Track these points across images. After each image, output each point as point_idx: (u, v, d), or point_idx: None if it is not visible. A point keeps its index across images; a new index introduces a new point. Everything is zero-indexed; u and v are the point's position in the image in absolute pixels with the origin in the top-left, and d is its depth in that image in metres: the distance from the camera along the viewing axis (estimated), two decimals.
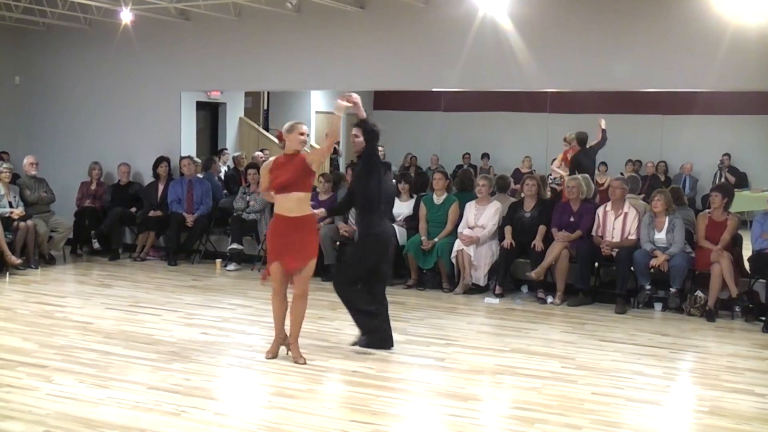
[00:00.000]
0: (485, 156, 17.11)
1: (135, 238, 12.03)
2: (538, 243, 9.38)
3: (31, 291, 9.52)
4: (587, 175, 10.43)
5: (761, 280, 8.79)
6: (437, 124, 17.57)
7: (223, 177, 13.19)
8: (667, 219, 8.99)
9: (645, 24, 9.44)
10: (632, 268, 9.01)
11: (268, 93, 17.25)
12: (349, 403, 5.75)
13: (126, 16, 10.51)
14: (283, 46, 11.27)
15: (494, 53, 9.93)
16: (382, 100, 18.16)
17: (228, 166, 13.93)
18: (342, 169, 14.23)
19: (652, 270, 8.84)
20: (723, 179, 15.18)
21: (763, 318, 8.32)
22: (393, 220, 10.26)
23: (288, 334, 6.68)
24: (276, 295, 6.65)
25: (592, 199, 10.06)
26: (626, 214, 9.28)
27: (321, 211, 7.09)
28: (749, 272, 8.88)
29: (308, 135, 6.68)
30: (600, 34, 9.71)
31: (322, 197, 10.47)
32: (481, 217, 9.72)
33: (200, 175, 12.03)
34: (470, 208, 9.84)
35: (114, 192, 12.11)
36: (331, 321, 8.00)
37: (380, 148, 13.22)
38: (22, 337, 7.36)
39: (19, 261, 10.36)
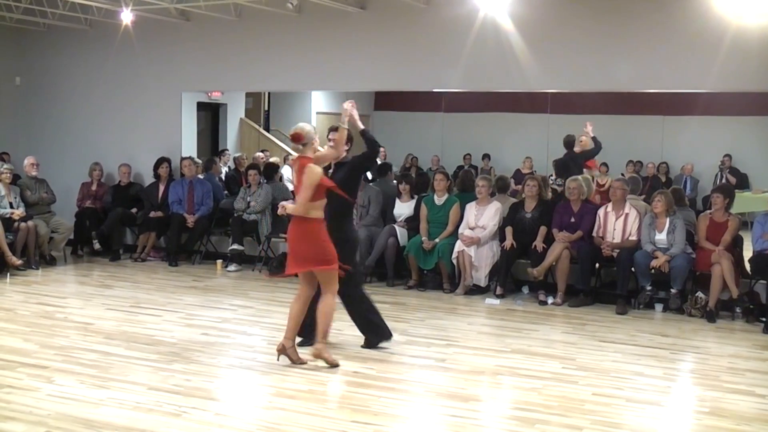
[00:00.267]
0: (486, 157, 17.12)
1: (136, 238, 12.03)
2: (538, 244, 9.38)
3: (31, 292, 9.52)
4: (588, 177, 10.43)
5: (762, 281, 8.78)
6: (438, 125, 17.59)
7: (223, 178, 13.19)
8: (667, 220, 8.99)
9: (646, 25, 9.44)
10: (633, 269, 9.01)
11: (269, 93, 17.28)
12: (350, 403, 5.75)
13: (126, 16, 10.51)
14: (284, 46, 11.27)
15: (495, 54, 9.94)
16: (383, 100, 18.19)
17: (229, 167, 13.93)
18: None
19: (652, 271, 8.84)
20: (724, 180, 15.19)
21: (764, 319, 8.31)
22: (393, 220, 10.29)
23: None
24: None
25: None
26: (627, 214, 9.28)
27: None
28: (750, 273, 8.87)
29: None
30: (601, 34, 9.71)
31: None
32: (482, 217, 9.72)
33: (201, 176, 12.03)
34: (470, 209, 9.83)
35: (115, 193, 12.12)
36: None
37: (381, 149, 13.19)
38: (23, 337, 7.37)
39: (19, 262, 10.37)
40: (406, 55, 10.60)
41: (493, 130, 17.35)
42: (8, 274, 10.24)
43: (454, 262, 9.67)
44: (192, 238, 11.59)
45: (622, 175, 13.33)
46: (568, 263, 9.21)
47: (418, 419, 5.62)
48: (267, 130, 16.78)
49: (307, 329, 6.78)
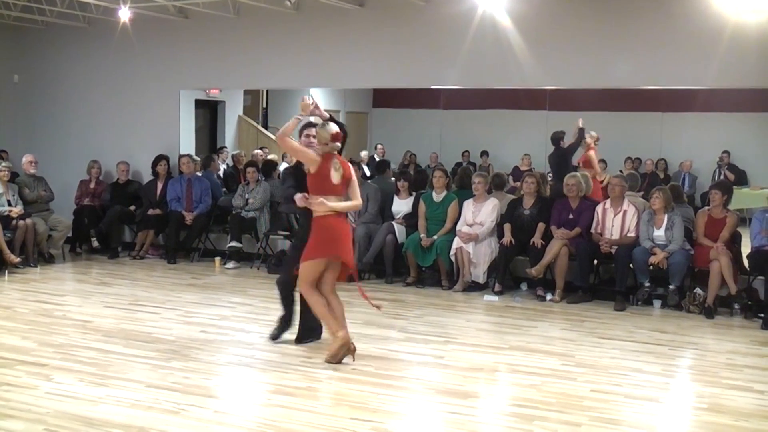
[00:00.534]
0: (484, 153, 17.12)
1: (134, 236, 12.03)
2: (537, 240, 9.39)
3: (30, 289, 9.51)
4: (586, 173, 10.44)
5: (760, 277, 8.79)
6: (436, 122, 17.60)
7: (222, 175, 13.19)
8: (666, 216, 8.99)
9: (644, 21, 9.44)
10: (631, 266, 9.01)
11: (267, 91, 17.27)
12: (349, 400, 5.75)
13: (124, 14, 10.50)
14: (282, 44, 11.26)
15: (493, 51, 9.94)
16: (382, 98, 18.21)
17: (227, 164, 13.93)
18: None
19: (651, 267, 8.84)
20: (722, 176, 15.20)
21: (762, 315, 8.32)
22: (392, 218, 10.29)
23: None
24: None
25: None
26: (625, 211, 9.28)
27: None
28: (748, 269, 8.88)
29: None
30: (599, 31, 9.71)
31: None
32: (479, 214, 9.73)
33: (199, 174, 12.03)
34: (468, 206, 9.84)
35: (113, 190, 12.11)
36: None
37: (380, 146, 13.10)
38: (22, 335, 7.36)
39: (18, 260, 10.37)
40: (404, 52, 10.60)
41: (491, 127, 17.37)
42: (6, 272, 10.24)
43: (453, 258, 9.68)
44: (190, 236, 11.59)
45: (621, 171, 13.33)
46: (567, 260, 9.21)
47: (416, 416, 5.63)
48: (265, 127, 16.77)
49: (302, 329, 6.96)
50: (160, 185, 11.84)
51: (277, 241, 11.20)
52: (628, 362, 6.81)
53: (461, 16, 9.95)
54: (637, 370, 6.57)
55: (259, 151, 13.91)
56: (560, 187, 9.95)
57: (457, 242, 9.60)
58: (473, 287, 9.64)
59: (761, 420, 5.50)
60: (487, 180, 10.10)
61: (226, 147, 14.94)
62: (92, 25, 12.32)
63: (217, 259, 11.23)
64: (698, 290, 8.77)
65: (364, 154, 15.90)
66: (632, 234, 9.16)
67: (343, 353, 6.51)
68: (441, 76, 10.59)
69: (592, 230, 9.37)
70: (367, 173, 12.48)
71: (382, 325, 7.73)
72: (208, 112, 15.54)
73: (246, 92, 16.58)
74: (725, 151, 15.91)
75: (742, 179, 15.49)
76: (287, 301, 7.13)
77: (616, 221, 9.27)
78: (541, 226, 9.49)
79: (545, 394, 5.91)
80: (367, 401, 5.69)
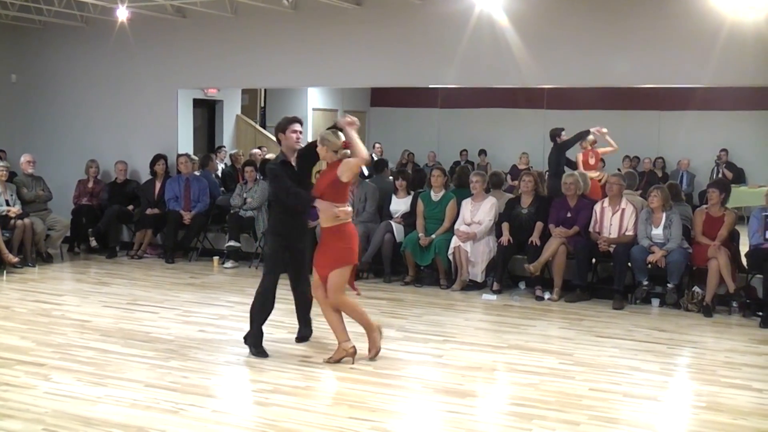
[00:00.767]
0: (482, 152, 17.11)
1: (132, 235, 12.03)
2: (535, 239, 9.39)
3: (28, 289, 9.51)
4: (585, 172, 10.44)
5: (758, 276, 8.78)
6: (434, 121, 17.59)
7: (220, 174, 13.19)
8: (664, 215, 8.99)
9: (642, 20, 9.44)
10: (629, 264, 9.02)
11: (265, 90, 17.26)
12: (347, 400, 5.75)
13: (122, 13, 10.48)
14: (280, 43, 11.26)
15: (491, 50, 9.94)
16: (379, 97, 18.20)
17: (225, 164, 13.93)
18: None
19: (649, 266, 8.84)
20: (720, 175, 15.20)
21: (761, 313, 8.32)
22: (390, 217, 10.29)
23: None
24: (321, 304, 6.72)
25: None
26: (623, 210, 9.28)
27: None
28: (746, 268, 8.88)
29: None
30: (597, 30, 9.71)
31: None
32: (477, 213, 9.73)
33: (197, 173, 12.03)
34: (466, 205, 9.84)
35: (111, 190, 12.11)
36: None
37: (378, 145, 13.08)
38: (20, 335, 7.36)
39: (16, 259, 10.36)
40: (402, 51, 10.60)
41: (489, 125, 17.35)
42: (5, 271, 10.24)
43: (451, 257, 9.68)
44: (188, 235, 11.58)
45: (619, 170, 13.34)
46: (565, 259, 9.21)
47: (415, 415, 5.63)
48: (263, 126, 16.76)
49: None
50: (158, 185, 11.83)
51: None
52: (627, 361, 6.82)
53: (458, 14, 9.96)
54: (635, 369, 6.57)
55: (257, 151, 13.89)
56: (555, 183, 9.95)
57: (455, 241, 9.60)
58: (471, 286, 9.64)
59: (760, 418, 5.51)
60: (485, 179, 10.09)
61: (224, 146, 14.93)
62: (90, 24, 12.31)
63: (216, 258, 11.23)
64: (696, 289, 8.77)
65: None
66: (630, 232, 9.16)
67: (343, 357, 6.55)
68: (439, 75, 10.59)
69: (591, 229, 9.37)
70: (365, 172, 12.44)
71: (381, 324, 7.72)
72: (206, 112, 15.53)
73: (244, 91, 16.57)
74: (723, 150, 15.91)
75: (740, 177, 15.49)
76: (264, 315, 6.90)
77: (614, 220, 9.27)
78: (539, 224, 9.50)
79: (544, 393, 5.91)
80: (365, 400, 5.69)
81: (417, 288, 9.80)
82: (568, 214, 9.47)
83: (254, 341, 6.80)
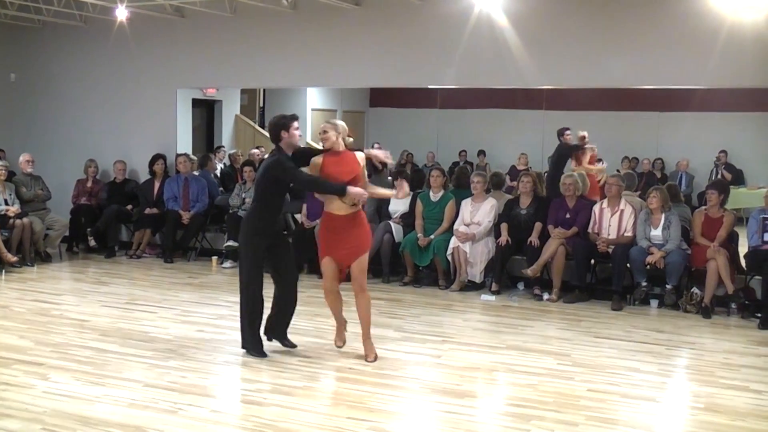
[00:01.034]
0: (481, 153, 17.11)
1: (131, 235, 12.02)
2: (534, 240, 9.40)
3: (27, 289, 9.50)
4: (583, 173, 10.45)
5: (757, 277, 8.79)
6: (433, 121, 17.58)
7: (219, 174, 13.19)
8: (663, 216, 9.00)
9: (641, 21, 9.44)
10: (628, 265, 9.02)
11: (264, 90, 17.26)
12: (346, 400, 5.75)
13: (121, 13, 10.47)
14: (279, 43, 11.26)
15: (490, 50, 9.94)
16: (378, 97, 18.20)
17: (224, 164, 13.93)
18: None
19: (648, 267, 8.84)
20: (719, 176, 15.20)
21: (759, 315, 8.32)
22: (389, 217, 10.29)
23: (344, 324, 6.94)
24: (329, 293, 6.71)
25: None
26: (622, 211, 9.28)
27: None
28: (745, 269, 8.89)
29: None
30: (596, 30, 9.71)
31: None
32: (477, 213, 9.73)
33: (196, 173, 12.02)
34: (466, 205, 9.84)
35: (110, 189, 12.10)
36: (327, 318, 7.94)
37: (377, 145, 13.15)
38: (18, 334, 7.36)
39: (15, 259, 10.36)
40: (401, 51, 10.60)
41: (488, 126, 17.36)
42: (3, 271, 10.23)
43: (450, 258, 9.67)
44: (187, 235, 11.58)
45: (618, 171, 13.34)
46: (564, 259, 9.22)
47: (413, 415, 5.62)
48: (262, 126, 16.76)
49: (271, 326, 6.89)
50: (157, 184, 11.83)
51: None
52: (625, 362, 6.81)
53: (458, 15, 9.95)
54: (634, 370, 6.57)
55: (256, 150, 13.89)
56: (553, 179, 9.95)
57: (454, 242, 9.60)
58: (470, 287, 9.64)
59: (758, 420, 5.51)
60: (486, 180, 10.10)
61: (223, 146, 14.93)
62: (89, 24, 12.31)
63: (214, 258, 11.23)
64: (695, 290, 8.77)
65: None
66: (629, 233, 9.16)
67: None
68: (438, 75, 10.59)
69: (589, 230, 9.37)
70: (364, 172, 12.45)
71: (379, 325, 7.71)
72: (205, 112, 15.54)
73: (243, 91, 16.57)
74: (722, 151, 15.91)
75: (739, 179, 15.49)
76: (257, 317, 6.84)
77: (613, 221, 9.27)
78: (537, 225, 9.50)
79: (542, 394, 5.91)
80: (364, 401, 5.69)
81: (416, 288, 9.80)
82: (567, 215, 9.48)
83: (253, 345, 6.78)
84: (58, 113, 12.86)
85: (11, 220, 10.50)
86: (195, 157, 12.45)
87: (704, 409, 5.70)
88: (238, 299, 6.75)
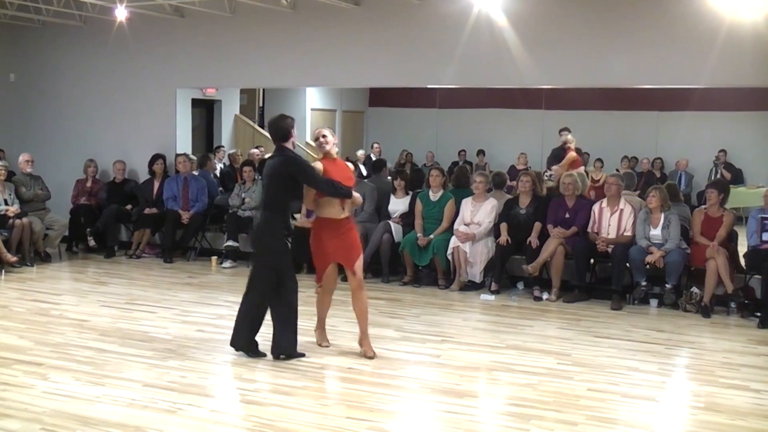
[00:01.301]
0: (481, 153, 17.08)
1: (131, 235, 12.03)
2: (533, 239, 9.39)
3: (26, 289, 9.50)
4: (582, 172, 10.46)
5: (757, 276, 8.79)
6: (432, 121, 17.55)
7: (218, 174, 13.18)
8: (662, 215, 9.00)
9: (640, 20, 9.45)
10: (628, 265, 9.02)
11: (264, 90, 17.24)
12: (345, 400, 5.76)
13: (121, 13, 10.47)
14: (278, 42, 11.26)
15: (489, 50, 9.94)
16: (378, 97, 18.15)
17: (224, 164, 13.92)
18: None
19: (647, 266, 8.85)
20: (719, 175, 15.18)
21: (759, 314, 8.33)
22: (388, 217, 10.29)
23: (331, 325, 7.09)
24: (328, 294, 6.96)
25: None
26: (622, 210, 9.28)
27: None
28: (745, 268, 8.89)
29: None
30: (595, 30, 9.72)
31: None
32: (478, 213, 9.73)
33: (196, 173, 12.02)
34: (466, 204, 9.84)
35: (109, 189, 12.11)
36: (327, 318, 7.97)
37: (376, 145, 13.09)
38: (18, 334, 7.36)
39: (14, 259, 10.36)
40: (400, 51, 10.60)
41: (487, 126, 17.31)
42: (3, 271, 10.23)
43: (449, 258, 9.67)
44: (187, 235, 11.58)
45: (617, 170, 13.33)
46: (563, 259, 9.22)
47: (413, 415, 5.63)
48: (262, 126, 16.73)
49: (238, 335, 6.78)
50: (156, 184, 11.83)
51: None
52: (625, 361, 6.82)
53: (457, 15, 9.96)
54: (633, 369, 6.58)
55: (255, 150, 13.88)
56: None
57: (453, 241, 9.60)
58: (470, 286, 9.65)
59: (758, 419, 5.51)
60: (488, 179, 10.10)
61: (222, 146, 14.91)
62: (88, 24, 12.31)
63: (214, 258, 11.24)
64: (695, 289, 8.78)
65: (360, 153, 15.87)
66: (629, 233, 9.17)
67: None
68: (437, 75, 10.59)
69: (589, 229, 9.37)
70: (364, 172, 12.45)
71: (379, 325, 7.73)
72: (205, 111, 15.51)
73: (242, 91, 16.54)
74: (722, 150, 15.88)
75: (738, 178, 15.46)
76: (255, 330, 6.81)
77: (612, 220, 9.28)
78: (537, 225, 9.50)
79: (542, 394, 5.91)
80: (363, 400, 5.69)
81: (415, 288, 9.80)
82: (567, 215, 9.48)
83: (250, 347, 6.76)
84: (58, 113, 12.86)
85: (11, 220, 10.50)
86: (194, 157, 12.45)
87: (704, 409, 5.70)
88: (237, 299, 6.75)
